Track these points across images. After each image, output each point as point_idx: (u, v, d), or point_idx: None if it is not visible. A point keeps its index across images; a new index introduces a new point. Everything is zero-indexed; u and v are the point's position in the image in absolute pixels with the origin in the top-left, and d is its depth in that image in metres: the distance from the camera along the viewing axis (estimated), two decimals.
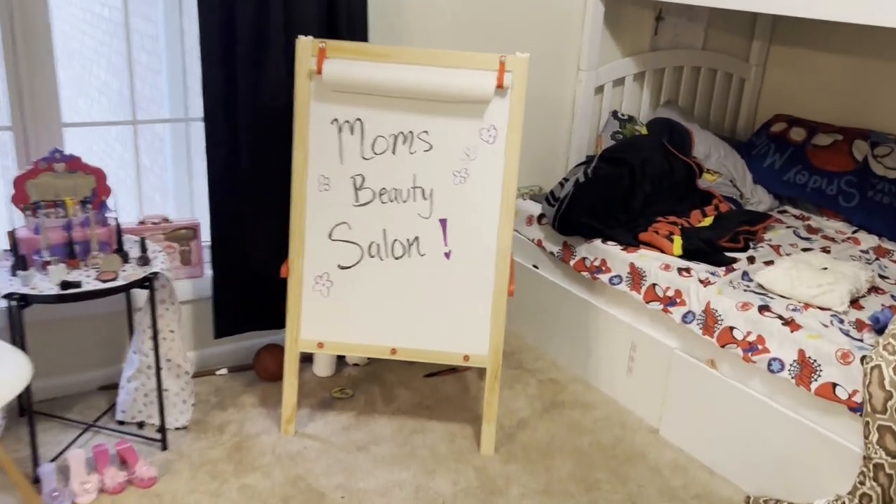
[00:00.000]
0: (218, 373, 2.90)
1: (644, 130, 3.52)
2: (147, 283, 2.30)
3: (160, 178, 4.04)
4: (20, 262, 2.22)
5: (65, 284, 2.20)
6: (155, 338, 2.38)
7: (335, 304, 2.51)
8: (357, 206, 2.46)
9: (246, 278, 2.80)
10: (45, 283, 2.23)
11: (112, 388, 2.74)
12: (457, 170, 2.44)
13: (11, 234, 2.29)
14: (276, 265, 2.76)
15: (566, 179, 3.13)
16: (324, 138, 2.42)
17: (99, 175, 2.44)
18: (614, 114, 3.57)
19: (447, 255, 2.48)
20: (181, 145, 3.39)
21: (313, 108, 2.41)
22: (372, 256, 2.48)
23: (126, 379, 2.55)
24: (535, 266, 3.20)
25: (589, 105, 3.48)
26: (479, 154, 2.43)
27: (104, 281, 2.27)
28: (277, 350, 2.86)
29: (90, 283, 2.24)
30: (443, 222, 2.47)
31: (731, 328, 2.42)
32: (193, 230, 2.81)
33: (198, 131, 2.78)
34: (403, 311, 2.50)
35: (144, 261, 2.38)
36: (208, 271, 2.85)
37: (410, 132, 2.42)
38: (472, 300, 2.48)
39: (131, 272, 2.31)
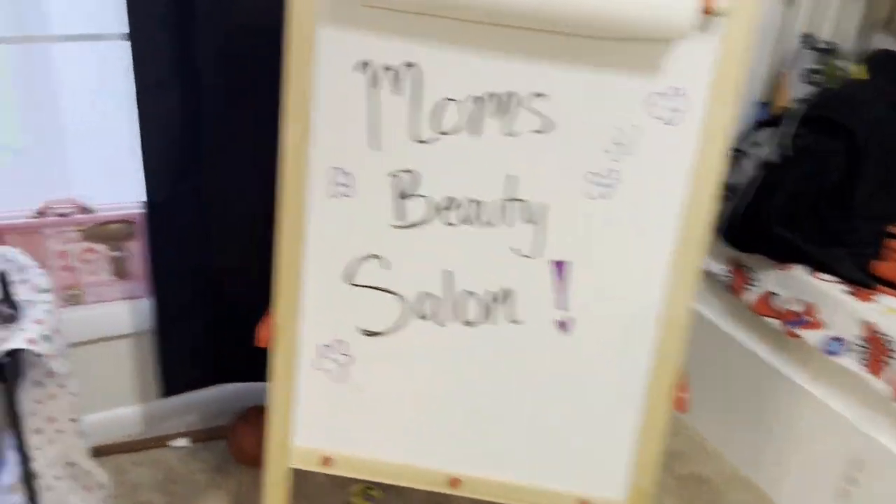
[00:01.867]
0: (173, 444, 1.85)
1: (858, 71, 2.25)
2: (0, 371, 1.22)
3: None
4: None
5: None
6: (20, 441, 1.33)
7: (354, 394, 1.41)
8: (400, 228, 1.32)
9: (213, 302, 1.71)
10: None
11: None
12: (595, 171, 1.26)
13: None
14: (260, 288, 1.66)
15: (738, 153, 1.92)
16: (342, 99, 1.25)
17: None
18: (807, 39, 2.28)
19: (563, 324, 1.34)
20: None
21: (323, 37, 1.22)
22: (423, 318, 1.36)
23: (5, 489, 1.52)
24: None
25: (774, 22, 2.19)
26: (642, 143, 1.24)
27: None
28: (263, 420, 1.79)
29: None
30: (560, 266, 1.31)
31: None
32: (132, 225, 1.70)
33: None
34: (476, 416, 1.39)
35: (6, 316, 1.29)
36: None
37: (511, 95, 1.24)
38: (603, 407, 1.36)
39: None
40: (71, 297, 1.70)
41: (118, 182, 1.74)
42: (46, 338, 1.27)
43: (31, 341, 1.23)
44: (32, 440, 1.44)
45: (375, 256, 1.33)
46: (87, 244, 1.68)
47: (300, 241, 1.32)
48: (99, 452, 1.79)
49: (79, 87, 1.66)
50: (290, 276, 1.34)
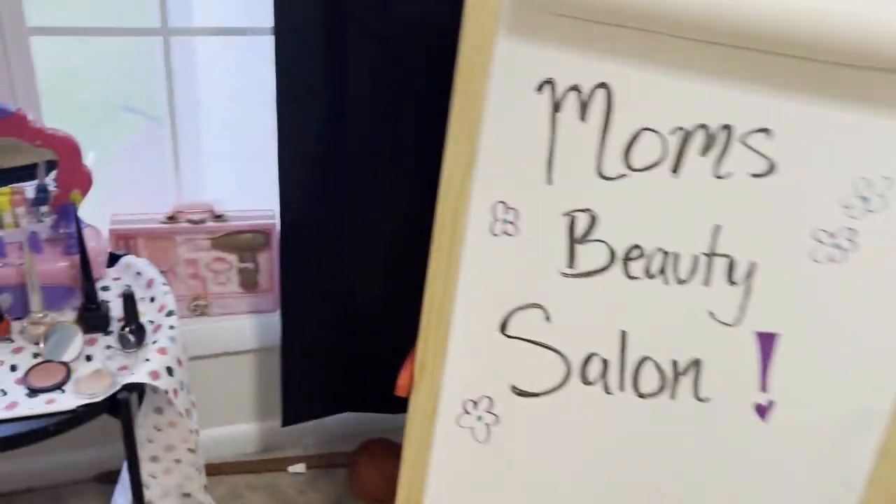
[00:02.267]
0: (290, 469, 1.73)
1: None
2: (114, 405, 1.10)
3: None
4: None
5: None
6: (135, 475, 1.22)
7: (495, 458, 1.22)
8: (570, 277, 1.11)
9: (344, 328, 1.57)
10: None
11: (112, 480, 1.65)
12: (826, 229, 1.01)
13: None
14: (393, 318, 1.50)
15: None
16: (517, 122, 1.05)
17: (64, 148, 1.23)
18: None
19: (763, 409, 1.10)
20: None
21: (501, 51, 1.03)
22: (587, 382, 1.15)
23: None
24: None
25: None
26: (894, 200, 0.98)
27: (34, 391, 1.10)
28: (389, 456, 1.65)
29: (2, 395, 1.08)
30: (766, 339, 1.07)
31: None
32: (265, 236, 1.57)
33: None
34: None
35: (126, 340, 1.18)
36: None
37: (726, 128, 1.00)
38: None
39: (94, 374, 1.12)
40: (196, 307, 1.59)
41: (252, 189, 1.62)
42: (169, 370, 1.15)
43: (154, 375, 1.11)
44: (148, 467, 1.34)
45: (538, 306, 1.13)
46: (217, 253, 1.57)
47: (453, 280, 1.14)
48: (214, 471, 1.69)
49: (222, 86, 1.55)
50: (440, 318, 1.16)
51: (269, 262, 1.61)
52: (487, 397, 1.20)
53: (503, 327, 1.16)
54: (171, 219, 1.52)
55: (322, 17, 1.27)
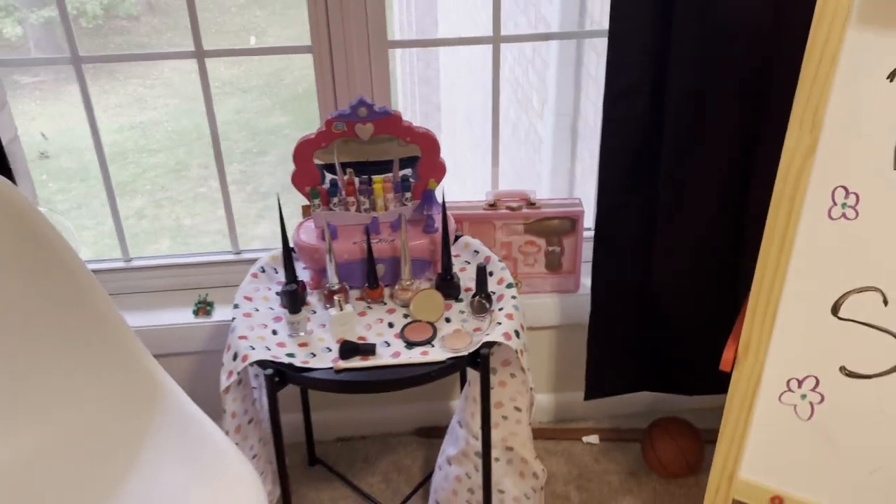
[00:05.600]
0: (585, 440, 1.87)
1: None
2: (474, 360, 1.30)
3: (524, 131, 2.88)
4: (291, 297, 1.34)
5: (347, 348, 1.30)
6: (485, 423, 1.41)
7: (817, 436, 1.26)
8: None
9: (645, 312, 1.67)
10: (323, 333, 1.35)
11: (433, 435, 1.89)
12: None
13: (287, 235, 1.44)
14: (698, 305, 1.58)
15: None
16: (867, 109, 1.09)
17: (427, 144, 1.45)
18: None
19: None
20: (566, 81, 2.22)
21: (852, 39, 1.07)
22: None
23: (446, 459, 1.65)
24: None
25: None
26: None
27: (410, 343, 1.32)
28: (685, 433, 1.72)
29: (389, 345, 1.31)
30: None
31: None
32: (572, 222, 1.72)
33: (594, 59, 1.61)
34: None
35: (481, 305, 1.38)
36: (585, 284, 1.77)
37: None
38: None
39: (455, 334, 1.32)
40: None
41: (559, 178, 1.78)
42: (517, 333, 1.32)
43: (506, 336, 1.29)
44: (478, 420, 1.53)
45: (875, 289, 1.16)
46: (528, 237, 1.74)
47: (785, 263, 1.20)
48: None
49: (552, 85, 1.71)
50: (769, 300, 1.22)
51: (573, 246, 1.75)
52: (814, 377, 1.24)
53: (835, 309, 1.19)
54: (492, 206, 1.72)
55: (650, 22, 1.38)
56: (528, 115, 2.83)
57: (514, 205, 1.71)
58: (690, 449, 1.71)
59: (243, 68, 6.39)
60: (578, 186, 2.44)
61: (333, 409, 1.87)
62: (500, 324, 1.32)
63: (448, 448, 1.66)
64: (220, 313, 1.72)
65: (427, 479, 1.77)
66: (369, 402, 1.89)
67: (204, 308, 1.73)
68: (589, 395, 1.74)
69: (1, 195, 1.24)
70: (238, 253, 1.81)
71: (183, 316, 1.72)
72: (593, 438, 1.86)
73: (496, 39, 1.63)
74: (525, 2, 2.92)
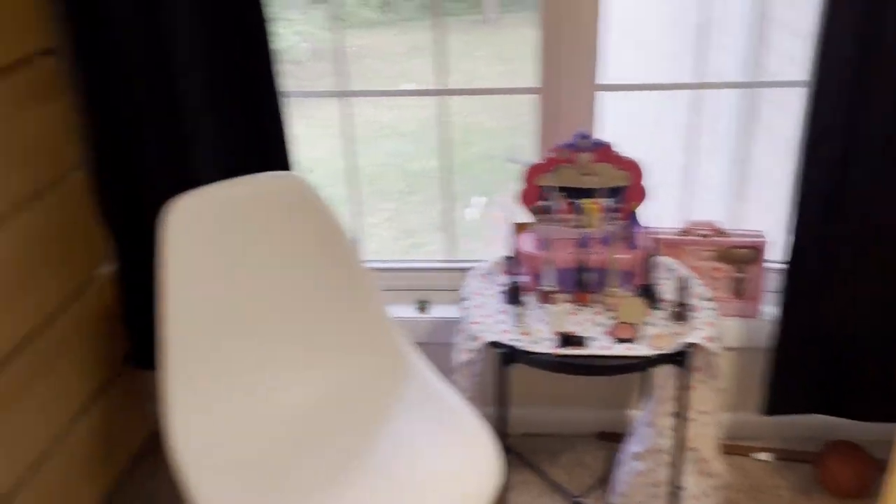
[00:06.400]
0: (756, 457, 2.00)
1: None
2: (679, 357, 1.50)
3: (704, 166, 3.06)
4: (513, 293, 1.61)
5: (564, 338, 1.54)
6: (680, 419, 1.60)
7: None
8: None
9: (831, 339, 1.80)
10: (540, 324, 1.60)
11: (613, 438, 2.08)
12: None
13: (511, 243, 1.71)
14: (885, 337, 1.70)
15: None
16: None
17: (633, 171, 1.68)
18: None
19: None
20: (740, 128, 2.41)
21: None
22: None
23: (631, 455, 1.84)
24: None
25: None
26: None
27: (619, 340, 1.54)
28: (862, 456, 1.83)
29: (597, 339, 1.54)
30: None
31: None
32: (756, 251, 1.89)
33: (769, 105, 1.79)
34: None
35: (680, 315, 1.58)
36: (764, 310, 1.92)
37: None
38: None
39: (657, 335, 1.53)
40: None
41: (744, 210, 1.95)
42: (715, 339, 1.51)
43: (707, 339, 1.49)
44: (666, 421, 1.72)
45: None
46: (715, 263, 1.92)
47: None
48: None
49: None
50: None
51: (755, 274, 1.91)
52: None
53: None
54: (685, 233, 1.92)
55: (848, 73, 1.56)
56: (695, 156, 3.00)
57: (704, 232, 1.90)
58: (866, 471, 1.81)
59: (395, 114, 6.77)
60: (749, 223, 2.58)
61: (521, 407, 2.10)
62: (699, 329, 1.51)
63: (633, 446, 1.85)
64: (436, 311, 2.02)
65: (607, 475, 1.96)
66: (554, 403, 2.11)
67: (422, 306, 2.03)
68: (769, 411, 1.87)
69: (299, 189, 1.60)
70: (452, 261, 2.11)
71: (405, 311, 2.03)
72: (765, 456, 1.98)
73: (701, 86, 1.85)
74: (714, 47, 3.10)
